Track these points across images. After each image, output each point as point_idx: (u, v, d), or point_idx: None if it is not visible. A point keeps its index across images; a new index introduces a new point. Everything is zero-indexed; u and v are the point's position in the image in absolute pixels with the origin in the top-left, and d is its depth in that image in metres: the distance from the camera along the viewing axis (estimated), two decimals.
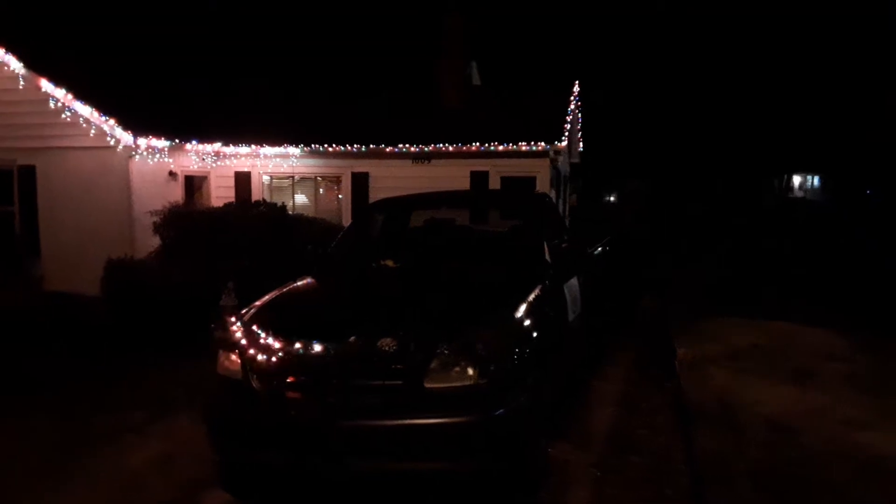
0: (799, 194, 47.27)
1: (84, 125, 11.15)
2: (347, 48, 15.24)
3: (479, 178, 12.59)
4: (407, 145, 12.73)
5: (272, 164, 13.39)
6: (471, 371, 3.69)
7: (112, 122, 11.03)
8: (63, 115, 11.13)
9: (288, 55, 15.13)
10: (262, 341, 3.98)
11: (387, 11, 15.61)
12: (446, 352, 3.69)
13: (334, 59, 15.11)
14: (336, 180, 13.56)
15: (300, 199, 13.80)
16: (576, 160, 16.99)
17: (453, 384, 3.69)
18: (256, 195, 13.14)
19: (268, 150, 13.15)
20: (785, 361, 5.62)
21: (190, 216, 10.69)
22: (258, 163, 13.41)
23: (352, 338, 3.76)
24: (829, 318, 7.38)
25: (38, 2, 12.99)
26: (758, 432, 4.14)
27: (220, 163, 13.26)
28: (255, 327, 4.13)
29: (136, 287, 9.23)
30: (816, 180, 48.79)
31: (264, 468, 3.95)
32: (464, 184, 12.65)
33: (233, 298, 9.97)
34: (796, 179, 49.41)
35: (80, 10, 13.31)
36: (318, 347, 3.80)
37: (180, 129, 12.19)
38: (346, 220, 12.95)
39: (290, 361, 3.83)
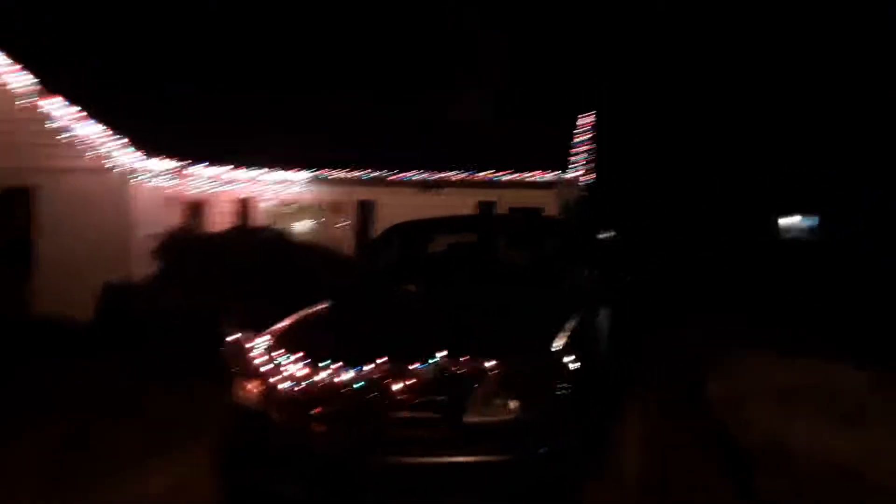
0: (795, 234, 47.27)
1: (89, 145, 10.92)
2: (356, 73, 15.08)
3: (486, 208, 12.40)
4: (414, 173, 12.56)
5: (275, 189, 13.17)
6: (514, 405, 3.42)
7: (119, 142, 10.81)
8: (68, 135, 10.90)
9: (294, 77, 14.98)
10: (284, 368, 3.69)
11: (395, 35, 15.60)
12: (488, 384, 3.41)
13: (340, 85, 14.95)
14: (340, 207, 13.34)
15: (303, 225, 13.55)
16: (584, 192, 16.81)
17: (495, 419, 3.41)
18: (258, 221, 12.90)
19: (272, 175, 12.94)
20: (827, 401, 5.36)
21: (190, 241, 10.42)
22: (261, 188, 13.19)
23: (385, 367, 3.48)
24: (850, 353, 7.13)
25: (41, 22, 12.83)
26: (820, 477, 3.86)
27: (223, 188, 13.01)
28: (276, 353, 3.85)
29: (133, 311, 8.92)
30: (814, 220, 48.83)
31: None
32: (471, 213, 12.44)
33: (233, 326, 9.72)
34: (792, 220, 49.49)
35: (82, 26, 13.17)
36: (347, 377, 3.52)
37: (183, 152, 11.96)
38: (351, 248, 12.73)
39: (316, 391, 3.54)
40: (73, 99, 11.03)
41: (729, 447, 4.72)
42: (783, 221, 45.06)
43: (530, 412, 3.42)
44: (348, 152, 13.27)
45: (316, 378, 3.58)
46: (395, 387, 3.45)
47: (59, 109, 10.92)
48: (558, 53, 19.51)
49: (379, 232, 13.21)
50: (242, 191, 13.19)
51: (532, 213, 11.75)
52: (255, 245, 9.71)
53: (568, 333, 4.01)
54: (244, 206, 13.24)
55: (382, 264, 5.48)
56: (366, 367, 3.53)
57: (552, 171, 11.95)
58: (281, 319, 4.73)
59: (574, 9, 20.40)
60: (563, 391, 3.65)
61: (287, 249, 9.97)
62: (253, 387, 3.79)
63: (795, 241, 35.06)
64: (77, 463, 4.93)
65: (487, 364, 3.46)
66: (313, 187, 13.12)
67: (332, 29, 16.86)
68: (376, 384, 3.48)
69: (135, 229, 11.03)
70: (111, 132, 10.90)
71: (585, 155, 13.34)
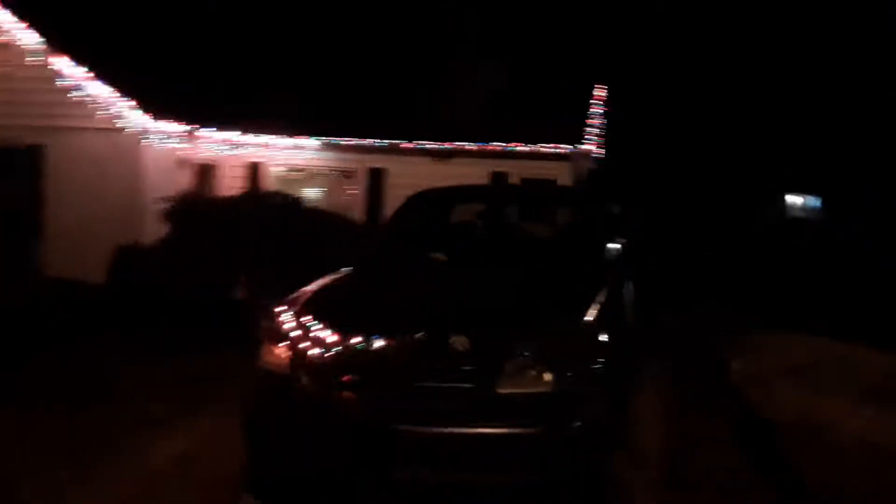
0: (801, 214, 46.75)
1: (99, 105, 10.80)
2: (366, 41, 14.82)
3: (499, 178, 12.28)
4: (426, 142, 12.42)
5: (286, 155, 13.05)
6: (548, 377, 3.39)
7: (129, 103, 10.70)
8: (78, 94, 10.78)
9: (307, 47, 14.74)
10: (315, 334, 3.65)
11: (405, 5, 15.31)
12: (524, 354, 3.38)
13: (353, 52, 14.71)
14: (351, 175, 13.22)
15: (312, 192, 13.42)
16: (594, 166, 16.64)
17: (529, 390, 3.38)
18: (268, 187, 12.79)
19: (282, 140, 12.81)
20: (849, 379, 5.33)
21: (201, 204, 10.35)
22: (271, 153, 13.06)
23: (419, 334, 3.44)
24: (854, 332, 7.04)
25: None
26: (852, 455, 3.84)
27: (233, 152, 12.90)
28: (306, 319, 3.81)
29: (145, 275, 8.89)
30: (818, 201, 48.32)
31: (307, 472, 3.63)
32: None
33: (245, 292, 9.69)
34: (798, 200, 48.95)
35: None
36: (380, 343, 3.49)
37: (195, 114, 11.86)
38: (361, 216, 12.65)
39: (348, 357, 3.51)
40: (81, 59, 10.91)
41: (752, 422, 4.70)
42: (790, 199, 44.63)
43: (564, 384, 3.39)
44: (359, 119, 13.11)
45: (346, 345, 3.54)
46: (431, 356, 3.41)
47: (67, 69, 10.81)
48: (572, 24, 19.19)
49: (389, 200, 13.20)
50: (252, 155, 13.07)
51: (547, 184, 11.66)
52: (269, 210, 9.63)
53: (599, 306, 3.97)
54: (254, 170, 13.13)
55: (408, 231, 5.39)
56: (397, 335, 3.50)
57: (566, 143, 11.80)
58: (297, 286, 4.67)
59: None
60: (596, 363, 3.62)
61: (302, 216, 9.89)
62: (281, 352, 3.75)
63: (802, 221, 34.64)
64: (100, 428, 4.89)
65: (522, 335, 3.42)
66: (323, 154, 12.99)
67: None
68: (408, 352, 3.45)
69: (145, 191, 10.95)
70: (121, 93, 10.80)
71: (597, 128, 13.16)
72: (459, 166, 12.49)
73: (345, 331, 3.60)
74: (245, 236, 9.39)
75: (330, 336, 3.62)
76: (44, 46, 10.91)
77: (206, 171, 12.72)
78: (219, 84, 13.47)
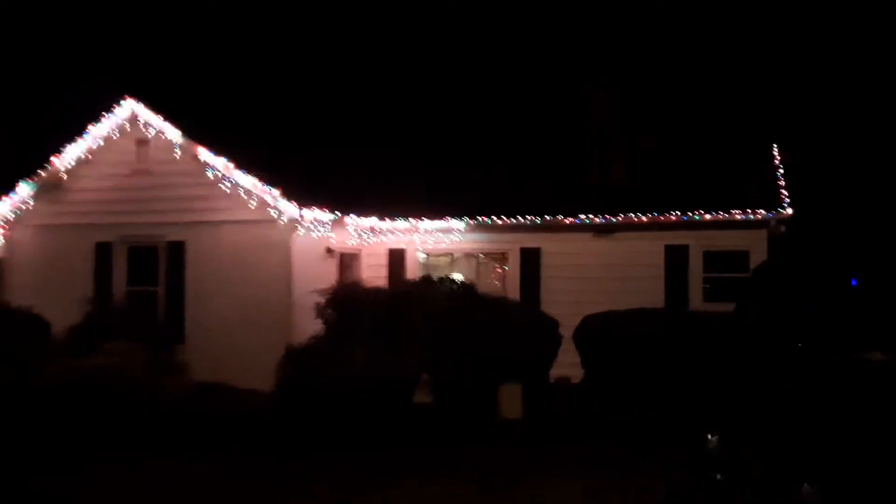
0: None
1: (243, 197, 10.08)
2: (504, 109, 13.97)
3: (676, 255, 10.79)
4: (589, 216, 11.12)
5: (431, 239, 11.97)
6: None
7: (276, 192, 9.90)
8: (221, 186, 10.11)
9: (442, 121, 13.99)
10: None
11: (542, 71, 14.60)
12: None
13: (500, 122, 13.84)
14: (501, 257, 12.01)
15: (458, 278, 12.23)
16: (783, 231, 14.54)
17: None
18: (410, 273, 11.72)
19: (427, 224, 11.77)
20: None
21: (363, 295, 9.30)
22: (415, 238, 12.03)
23: None
24: None
25: (189, 74, 12.33)
26: None
27: (374, 239, 11.94)
28: None
29: (317, 380, 7.72)
30: None
31: None
32: (656, 261, 10.91)
33: (429, 392, 8.42)
34: None
35: (231, 80, 12.59)
36: None
37: (339, 201, 11.01)
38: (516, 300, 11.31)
39: None
40: (221, 149, 10.34)
41: None
42: None
43: None
44: (509, 194, 11.99)
45: None
46: None
47: (206, 160, 10.24)
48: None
49: (545, 282, 11.83)
50: (395, 241, 12.08)
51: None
52: (444, 300, 8.46)
53: None
54: (396, 257, 12.12)
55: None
56: None
57: (764, 207, 10.23)
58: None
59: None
60: None
61: (476, 302, 8.67)
62: None
63: None
64: None
65: None
66: (470, 235, 11.85)
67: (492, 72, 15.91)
68: None
69: (294, 284, 9.99)
70: (264, 182, 10.06)
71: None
72: (625, 241, 11.15)
73: None
74: (420, 329, 8.22)
75: None
76: (182, 140, 10.41)
77: (344, 261, 11.78)
78: (362, 168, 12.71)
